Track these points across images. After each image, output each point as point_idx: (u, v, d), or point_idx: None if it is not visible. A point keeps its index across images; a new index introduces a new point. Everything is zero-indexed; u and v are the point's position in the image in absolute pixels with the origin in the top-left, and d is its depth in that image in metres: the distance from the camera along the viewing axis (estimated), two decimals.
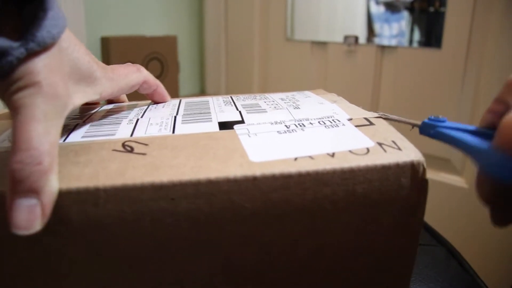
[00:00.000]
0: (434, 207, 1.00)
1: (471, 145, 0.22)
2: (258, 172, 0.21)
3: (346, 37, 1.05)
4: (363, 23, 1.04)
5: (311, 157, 0.22)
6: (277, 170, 0.21)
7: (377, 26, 1.02)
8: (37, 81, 0.21)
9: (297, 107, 0.30)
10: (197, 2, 1.33)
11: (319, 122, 0.27)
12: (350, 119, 0.27)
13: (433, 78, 0.92)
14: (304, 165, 0.21)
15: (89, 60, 0.25)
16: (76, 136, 0.26)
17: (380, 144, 0.23)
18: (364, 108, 0.30)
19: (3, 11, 0.20)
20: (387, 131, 0.25)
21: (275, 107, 0.31)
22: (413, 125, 0.27)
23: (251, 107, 0.31)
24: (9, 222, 0.18)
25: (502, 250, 0.87)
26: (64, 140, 0.25)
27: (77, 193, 0.20)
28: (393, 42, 0.99)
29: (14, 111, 0.20)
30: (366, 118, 0.27)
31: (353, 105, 0.31)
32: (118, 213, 0.20)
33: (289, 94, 0.36)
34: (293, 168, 0.21)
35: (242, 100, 0.34)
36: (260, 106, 0.31)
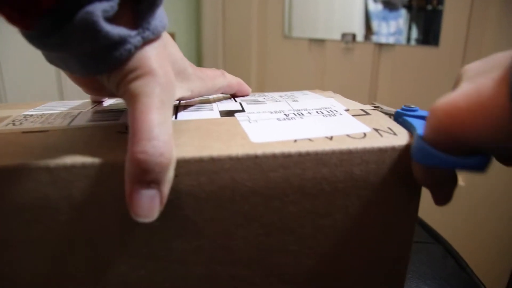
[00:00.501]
0: (431, 205, 1.00)
1: (413, 130, 0.23)
2: (259, 151, 0.21)
3: (343, 35, 1.05)
4: (361, 20, 1.04)
5: (310, 139, 0.23)
6: (277, 150, 0.21)
7: (375, 24, 1.02)
8: (154, 69, 0.21)
9: (295, 100, 0.31)
10: None
11: (317, 111, 0.28)
12: (347, 110, 0.28)
13: (431, 76, 0.92)
14: (303, 146, 0.22)
15: (182, 57, 0.25)
16: (82, 121, 0.26)
17: (376, 129, 0.24)
18: (386, 109, 0.31)
19: (120, 4, 0.20)
20: (383, 119, 0.26)
21: (274, 100, 0.32)
22: (390, 115, 0.29)
23: (250, 101, 0.32)
24: (130, 209, 0.19)
25: (499, 248, 0.88)
26: (70, 123, 0.26)
27: (83, 167, 0.20)
28: (391, 40, 0.99)
29: (132, 99, 0.20)
30: (362, 109, 0.28)
31: (350, 100, 0.32)
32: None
33: (288, 92, 0.36)
34: (293, 148, 0.21)
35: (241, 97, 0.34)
36: (259, 100, 0.32)
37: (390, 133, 0.24)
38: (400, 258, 0.25)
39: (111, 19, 0.20)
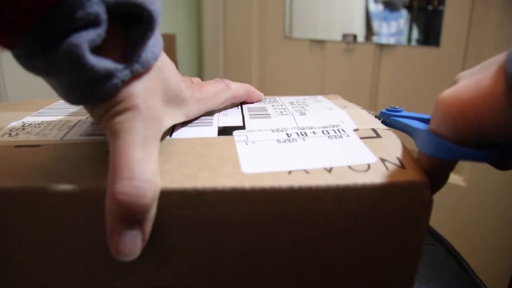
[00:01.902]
0: (433, 206, 1.00)
1: (413, 127, 0.24)
2: (247, 184, 0.20)
3: (344, 36, 1.05)
4: (361, 21, 1.04)
5: (306, 171, 0.21)
6: (267, 183, 0.20)
7: (375, 25, 1.02)
8: (137, 104, 0.20)
9: (303, 114, 0.29)
10: (196, 0, 1.33)
11: (322, 131, 0.26)
12: (356, 130, 0.26)
13: (432, 77, 0.92)
14: (297, 180, 0.20)
15: (178, 81, 0.24)
16: (75, 134, 0.26)
17: (383, 160, 0.22)
18: (373, 113, 0.30)
19: (109, 31, 0.19)
20: (393, 146, 0.24)
21: (281, 112, 0.30)
22: (376, 116, 0.29)
23: (256, 111, 0.30)
24: (110, 248, 0.18)
25: (501, 249, 0.87)
26: (63, 137, 0.26)
27: (63, 194, 0.20)
28: (392, 41, 0.99)
29: (113, 135, 0.19)
30: (373, 130, 0.26)
31: (364, 112, 0.30)
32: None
33: (300, 98, 0.35)
34: (285, 182, 0.20)
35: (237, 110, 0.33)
36: (266, 110, 0.30)
37: (397, 165, 0.22)
38: (404, 286, 0.23)
39: (98, 48, 0.19)
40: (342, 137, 0.25)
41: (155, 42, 0.21)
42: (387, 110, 0.28)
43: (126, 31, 0.20)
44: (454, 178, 0.93)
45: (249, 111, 0.30)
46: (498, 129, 0.18)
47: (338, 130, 0.26)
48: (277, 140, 0.24)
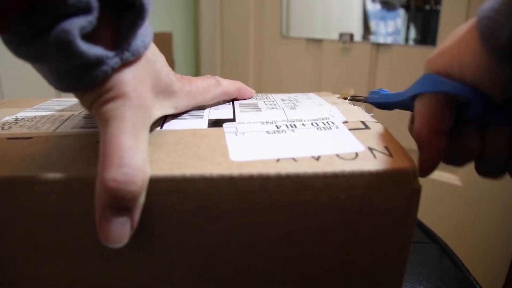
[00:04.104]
0: (428, 204, 1.00)
1: (397, 93, 0.27)
2: (235, 171, 0.20)
3: (341, 35, 1.05)
4: (358, 20, 1.04)
5: (294, 159, 0.21)
6: (255, 170, 0.20)
7: (372, 24, 1.02)
8: (126, 92, 0.20)
9: (293, 108, 0.30)
10: None
11: (312, 123, 0.26)
12: (345, 122, 0.26)
13: None
14: (285, 167, 0.20)
15: (168, 72, 0.24)
16: (67, 127, 0.26)
17: (371, 149, 0.22)
18: (365, 110, 0.30)
19: (100, 19, 0.19)
20: (381, 136, 0.24)
21: (272, 107, 0.30)
22: (364, 98, 0.31)
23: (247, 105, 0.31)
24: (100, 235, 0.18)
25: (496, 248, 0.88)
26: (55, 129, 0.26)
27: (53, 182, 0.20)
28: (389, 40, 0.99)
29: (103, 123, 0.19)
30: (362, 122, 0.26)
31: (355, 107, 0.30)
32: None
33: (292, 95, 0.35)
34: (272, 170, 0.20)
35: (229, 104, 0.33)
36: (257, 105, 0.31)
37: (385, 153, 0.22)
38: (392, 284, 0.23)
39: (89, 35, 0.19)
40: (331, 128, 0.25)
41: (145, 32, 0.21)
42: (372, 92, 0.31)
43: (117, 20, 0.20)
44: (450, 177, 0.93)
45: (240, 106, 0.31)
46: (476, 73, 0.20)
47: (327, 122, 0.26)
48: (267, 132, 0.25)
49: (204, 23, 1.31)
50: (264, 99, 0.33)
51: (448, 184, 0.92)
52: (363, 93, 0.33)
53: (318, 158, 0.21)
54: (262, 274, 0.22)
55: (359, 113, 0.29)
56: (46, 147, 0.23)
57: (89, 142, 0.23)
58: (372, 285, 0.23)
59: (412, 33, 0.96)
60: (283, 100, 0.33)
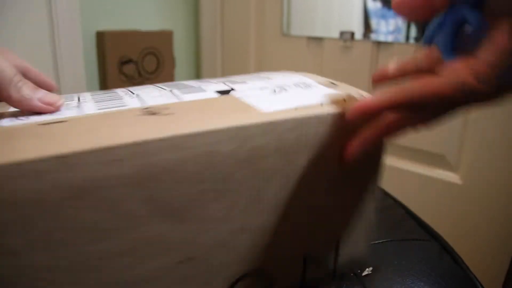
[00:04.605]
0: (428, 202, 1.00)
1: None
2: (274, 118, 0.26)
3: (342, 33, 1.05)
4: (359, 19, 1.04)
5: (306, 107, 0.28)
6: (288, 115, 0.26)
7: (373, 22, 1.02)
8: None
9: (269, 78, 0.35)
10: None
11: (295, 85, 0.33)
12: (319, 83, 0.34)
13: None
14: (306, 111, 0.27)
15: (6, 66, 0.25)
16: (90, 109, 0.27)
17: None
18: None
19: None
20: (350, 88, 0.34)
21: (250, 79, 0.34)
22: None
23: (230, 82, 0.34)
24: None
25: (496, 246, 0.88)
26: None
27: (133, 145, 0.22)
28: (390, 38, 0.99)
29: None
30: (331, 82, 0.35)
31: (314, 75, 0.37)
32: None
33: (254, 74, 0.39)
34: (299, 114, 0.27)
35: (215, 82, 0.35)
36: (237, 81, 0.34)
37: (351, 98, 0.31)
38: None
39: None
40: (311, 87, 0.33)
41: None
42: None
43: None
44: (450, 175, 0.93)
45: (224, 82, 0.33)
46: None
47: (305, 84, 0.33)
48: (269, 92, 0.30)
49: (204, 21, 1.31)
50: (233, 77, 0.36)
51: (448, 182, 0.92)
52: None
53: (322, 105, 0.29)
54: (296, 201, 0.29)
55: (320, 78, 0.36)
56: (87, 125, 0.24)
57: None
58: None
59: (413, 32, 0.96)
60: (249, 78, 0.36)
